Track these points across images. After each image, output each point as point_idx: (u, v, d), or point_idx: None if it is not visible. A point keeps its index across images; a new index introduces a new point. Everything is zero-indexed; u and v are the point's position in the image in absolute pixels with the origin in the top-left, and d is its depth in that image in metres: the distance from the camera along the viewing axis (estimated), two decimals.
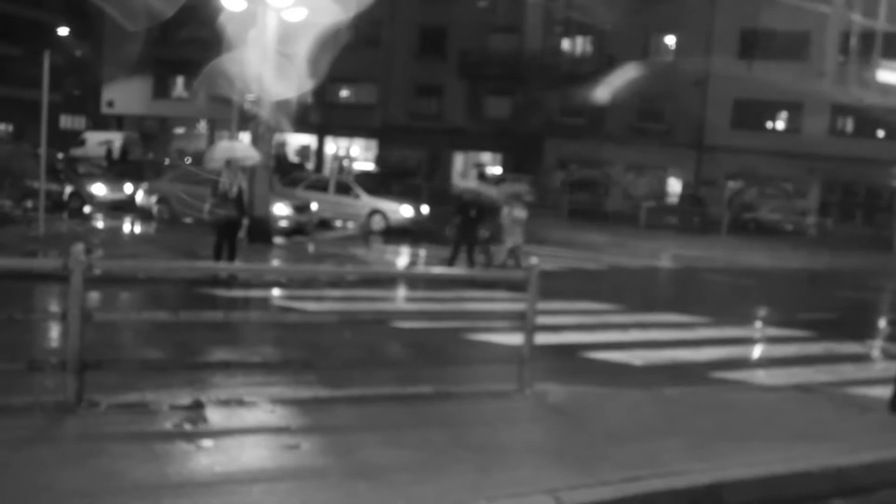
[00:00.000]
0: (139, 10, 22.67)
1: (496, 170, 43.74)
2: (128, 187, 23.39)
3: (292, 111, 17.33)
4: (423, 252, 17.95)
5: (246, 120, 18.06)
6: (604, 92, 38.29)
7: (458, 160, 45.04)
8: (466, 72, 43.27)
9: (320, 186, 23.93)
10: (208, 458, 4.86)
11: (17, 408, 5.34)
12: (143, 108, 48.96)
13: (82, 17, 53.69)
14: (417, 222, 22.40)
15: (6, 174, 20.36)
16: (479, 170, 39.99)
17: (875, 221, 35.32)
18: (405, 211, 22.32)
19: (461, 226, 14.92)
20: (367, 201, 22.98)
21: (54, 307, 9.17)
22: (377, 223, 22.32)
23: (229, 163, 13.08)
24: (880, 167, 35.48)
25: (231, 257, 12.64)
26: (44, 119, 15.16)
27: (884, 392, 7.85)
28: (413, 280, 13.48)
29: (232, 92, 18.27)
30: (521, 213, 15.08)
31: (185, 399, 5.88)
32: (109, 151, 35.92)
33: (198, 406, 5.72)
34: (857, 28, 35.79)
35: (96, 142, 38.72)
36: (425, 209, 22.92)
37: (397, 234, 21.34)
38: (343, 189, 23.51)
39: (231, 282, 12.05)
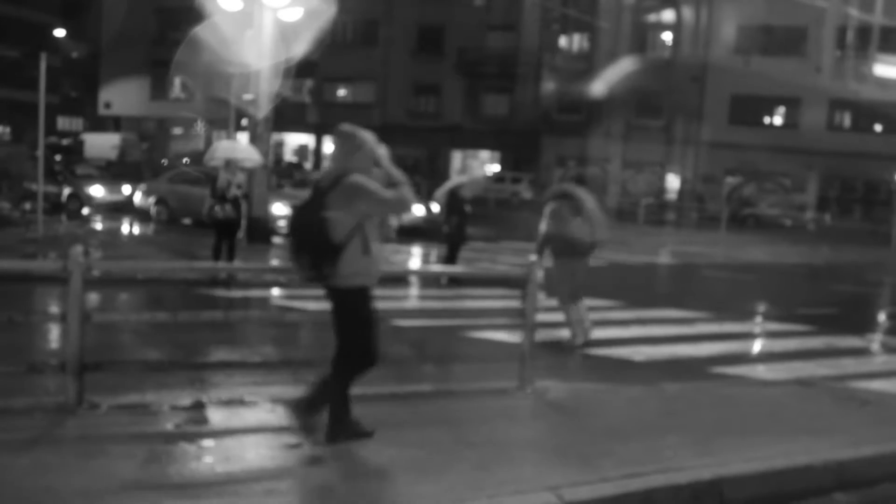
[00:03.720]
0: None
1: (495, 167, 43.70)
2: (126, 188, 23.40)
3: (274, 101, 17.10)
4: (433, 251, 17.86)
5: (241, 117, 18.04)
6: (601, 87, 38.31)
7: (457, 158, 45.07)
8: (464, 70, 43.29)
9: None
10: (209, 458, 4.86)
11: (17, 410, 5.34)
12: (141, 109, 48.95)
13: (79, 18, 53.62)
14: (429, 221, 22.03)
15: (4, 176, 20.35)
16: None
17: (873, 216, 35.36)
18: (417, 210, 21.96)
19: None
20: None
21: (54, 309, 9.16)
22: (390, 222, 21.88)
23: (228, 163, 13.05)
24: (878, 161, 35.51)
25: (230, 258, 12.63)
26: (41, 121, 15.15)
27: (884, 385, 7.87)
28: (414, 278, 13.48)
29: (224, 91, 18.26)
30: None
31: (185, 399, 5.88)
32: (53, 152, 36.27)
33: (198, 406, 5.72)
34: (853, 23, 35.83)
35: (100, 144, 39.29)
36: (435, 208, 22.48)
37: (409, 233, 21.14)
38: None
39: (230, 282, 12.04)
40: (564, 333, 9.04)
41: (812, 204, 37.12)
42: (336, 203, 4.74)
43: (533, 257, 7.00)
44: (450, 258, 14.03)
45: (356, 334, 5.03)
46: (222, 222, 12.55)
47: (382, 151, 4.96)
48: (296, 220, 5.00)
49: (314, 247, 4.76)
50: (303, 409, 5.11)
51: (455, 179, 16.16)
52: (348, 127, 4.99)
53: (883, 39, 35.51)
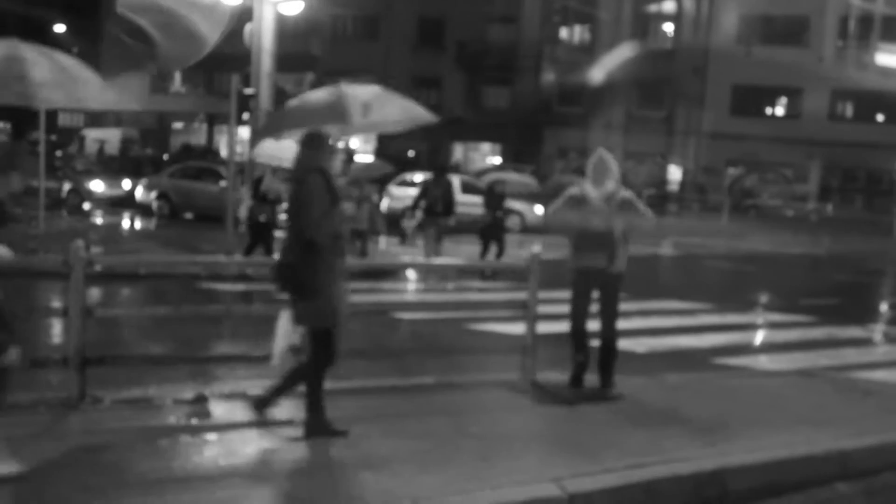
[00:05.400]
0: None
1: (496, 159, 43.66)
2: (126, 183, 23.40)
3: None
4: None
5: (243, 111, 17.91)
6: (601, 74, 38.17)
7: (458, 151, 45.01)
8: (465, 63, 43.18)
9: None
10: (212, 451, 4.87)
11: (21, 405, 5.34)
12: (141, 103, 48.85)
13: (78, 13, 53.54)
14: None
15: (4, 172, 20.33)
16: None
17: (875, 206, 35.27)
18: (538, 209, 20.17)
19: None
20: None
21: (56, 304, 9.17)
22: (513, 224, 20.37)
23: (276, 170, 12.79)
24: (880, 151, 35.42)
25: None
26: (42, 117, 15.12)
27: (886, 376, 7.87)
28: (421, 271, 13.48)
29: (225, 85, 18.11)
30: None
31: (188, 393, 5.89)
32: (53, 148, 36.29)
33: (201, 400, 5.73)
34: (855, 12, 35.71)
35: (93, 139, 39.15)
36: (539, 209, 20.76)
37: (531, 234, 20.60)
38: (470, 189, 21.58)
39: (246, 278, 11.89)
40: (565, 326, 8.97)
41: (814, 194, 37.05)
42: (617, 213, 6.51)
43: (536, 248, 7.01)
44: (485, 252, 14.00)
45: (618, 306, 6.68)
46: (260, 224, 12.46)
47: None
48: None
49: (607, 245, 6.50)
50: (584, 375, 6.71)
51: (493, 176, 15.98)
52: (605, 153, 6.92)
53: (885, 28, 35.40)
